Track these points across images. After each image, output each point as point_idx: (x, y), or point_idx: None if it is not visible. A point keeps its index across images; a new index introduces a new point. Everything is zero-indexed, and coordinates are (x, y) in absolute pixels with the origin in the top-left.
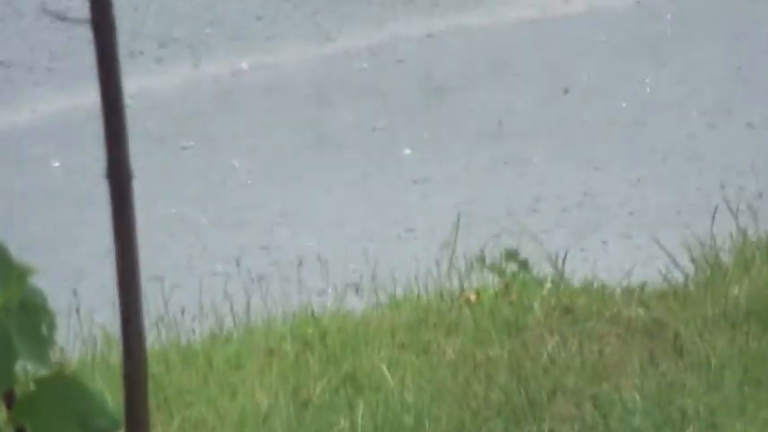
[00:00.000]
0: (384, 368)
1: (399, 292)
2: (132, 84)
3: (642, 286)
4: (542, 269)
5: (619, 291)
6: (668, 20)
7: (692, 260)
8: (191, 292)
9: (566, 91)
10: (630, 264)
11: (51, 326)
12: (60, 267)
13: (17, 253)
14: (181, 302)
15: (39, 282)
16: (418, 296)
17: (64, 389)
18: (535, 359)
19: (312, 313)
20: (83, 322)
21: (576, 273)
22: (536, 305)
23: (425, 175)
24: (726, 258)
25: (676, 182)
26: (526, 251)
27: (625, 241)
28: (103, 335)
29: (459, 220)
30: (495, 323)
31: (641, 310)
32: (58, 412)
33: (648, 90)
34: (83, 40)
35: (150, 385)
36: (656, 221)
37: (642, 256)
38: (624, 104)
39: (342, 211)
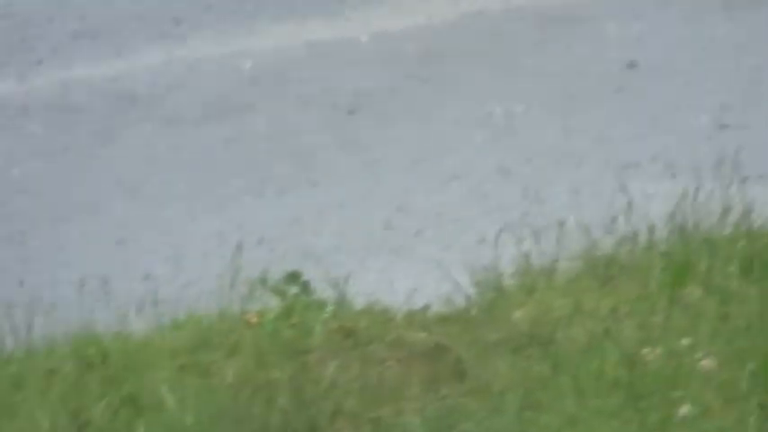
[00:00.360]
0: (164, 390)
1: (181, 313)
2: None
3: (424, 310)
4: (325, 292)
5: (401, 314)
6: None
7: (475, 284)
8: None
9: (351, 112)
10: (413, 287)
11: None
12: None
13: None
14: None
15: None
16: (199, 318)
17: None
18: (316, 382)
19: (94, 334)
20: None
21: (359, 296)
22: (317, 328)
23: (206, 194)
24: (509, 283)
25: (460, 206)
26: (309, 274)
27: (408, 264)
28: None
29: (240, 241)
30: (276, 345)
31: (423, 334)
32: None
33: (437, 110)
34: None
35: None
36: (439, 245)
37: (425, 279)
38: (413, 124)
39: (122, 232)
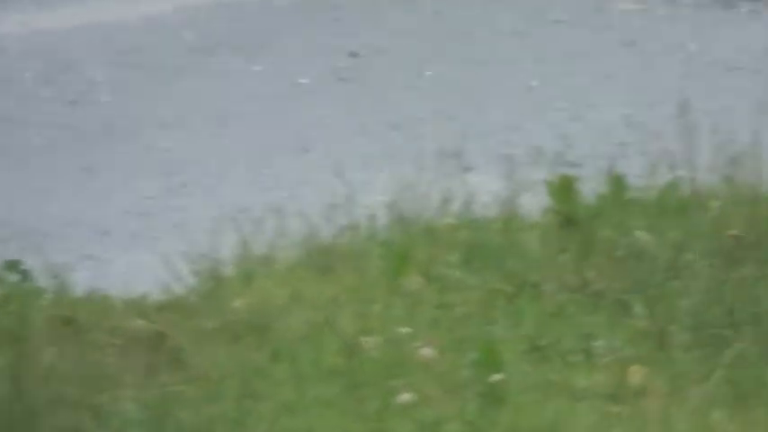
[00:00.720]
0: None
1: None
2: None
3: (144, 298)
4: (45, 280)
5: (120, 302)
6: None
7: (194, 272)
8: None
9: (73, 103)
10: (133, 275)
11: None
12: None
13: None
14: None
15: None
16: None
17: None
18: (34, 370)
19: None
20: None
21: (79, 284)
22: (36, 316)
23: None
24: (228, 271)
25: (181, 194)
26: (29, 262)
27: (128, 253)
28: None
29: None
30: None
31: (142, 322)
32: None
33: (169, 101)
34: None
35: None
36: (159, 233)
37: (145, 267)
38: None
39: None
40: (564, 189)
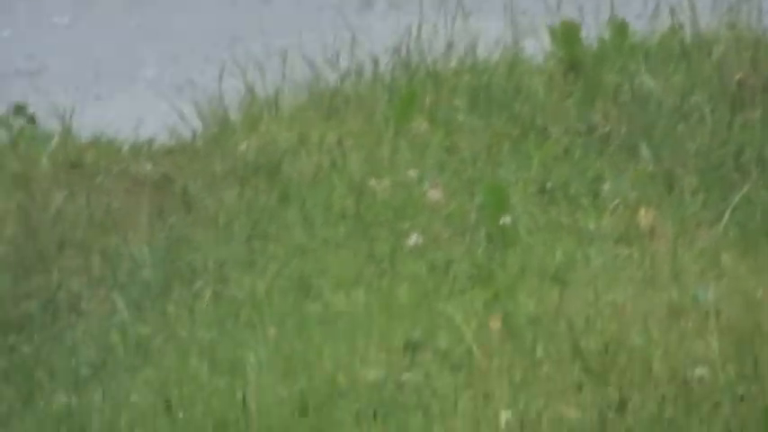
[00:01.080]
0: None
1: None
2: None
3: (150, 142)
4: (52, 124)
5: (127, 146)
6: None
7: (200, 116)
8: None
9: None
10: (138, 119)
11: None
12: None
13: None
14: None
15: None
16: None
17: None
18: (43, 212)
19: None
20: None
21: (85, 128)
22: (44, 160)
23: None
24: (234, 115)
25: (185, 37)
26: (35, 106)
27: (133, 96)
28: None
29: None
30: (3, 177)
31: (149, 166)
32: None
33: None
34: None
35: None
36: (163, 77)
37: (150, 111)
38: None
39: None
40: (567, 35)
